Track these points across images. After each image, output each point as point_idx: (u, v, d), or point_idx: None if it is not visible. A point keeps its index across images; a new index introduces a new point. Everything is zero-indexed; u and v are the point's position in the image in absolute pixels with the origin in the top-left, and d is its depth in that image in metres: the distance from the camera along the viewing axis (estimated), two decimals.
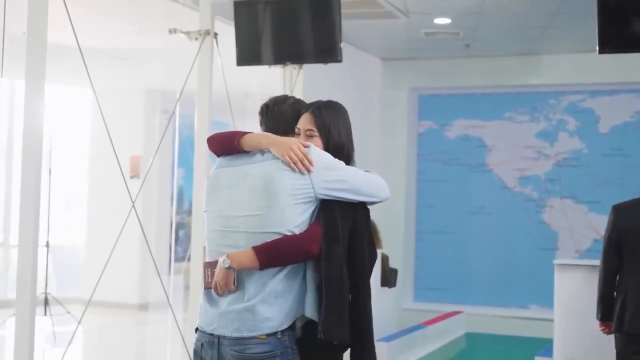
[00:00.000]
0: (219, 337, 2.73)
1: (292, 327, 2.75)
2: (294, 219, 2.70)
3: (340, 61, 5.95)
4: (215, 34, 5.99)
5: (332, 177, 2.74)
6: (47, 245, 9.23)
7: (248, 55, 6.18)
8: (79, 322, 5.33)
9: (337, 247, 2.77)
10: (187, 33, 5.98)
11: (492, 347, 8.48)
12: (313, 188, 2.71)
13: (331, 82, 8.15)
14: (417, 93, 10.08)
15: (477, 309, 9.39)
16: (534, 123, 9.53)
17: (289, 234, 2.70)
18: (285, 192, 2.69)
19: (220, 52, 5.99)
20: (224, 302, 2.76)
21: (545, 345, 6.25)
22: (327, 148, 2.89)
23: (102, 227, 6.51)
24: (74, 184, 11.28)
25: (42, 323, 8.68)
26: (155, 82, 10.35)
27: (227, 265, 2.71)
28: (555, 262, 5.47)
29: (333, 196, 2.74)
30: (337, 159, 2.80)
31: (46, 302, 8.98)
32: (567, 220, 9.29)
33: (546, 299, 5.70)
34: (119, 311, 10.19)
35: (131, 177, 10.01)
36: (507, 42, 8.87)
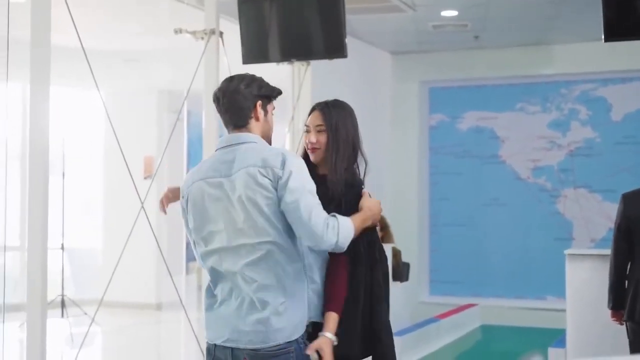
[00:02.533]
0: (232, 348, 2.79)
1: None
2: None
3: (345, 56, 5.94)
4: (221, 33, 6.01)
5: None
6: (63, 248, 9.29)
7: (254, 53, 6.18)
8: (92, 320, 5.36)
9: (359, 268, 2.93)
10: (193, 33, 5.99)
11: (508, 339, 8.46)
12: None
13: (340, 78, 8.14)
14: (427, 86, 10.05)
15: (493, 301, 9.36)
16: (546, 113, 9.49)
17: None
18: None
19: (226, 51, 6.00)
20: (235, 315, 2.79)
21: (559, 335, 6.22)
22: (334, 143, 3.00)
23: (118, 228, 6.53)
24: (90, 187, 11.34)
25: (60, 325, 8.75)
26: (165, 83, 10.38)
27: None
28: (567, 252, 5.45)
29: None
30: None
31: (63, 304, 9.03)
32: (582, 209, 9.24)
33: (562, 290, 5.67)
34: (137, 311, 10.24)
35: (145, 178, 10.04)
36: (516, 32, 8.83)
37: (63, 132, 9.48)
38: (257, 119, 2.87)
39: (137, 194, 5.33)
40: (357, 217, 2.88)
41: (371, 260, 2.98)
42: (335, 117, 3.04)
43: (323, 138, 3.02)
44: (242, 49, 6.17)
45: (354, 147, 3.05)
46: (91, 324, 5.33)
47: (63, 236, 9.29)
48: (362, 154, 3.09)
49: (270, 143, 2.92)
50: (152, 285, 10.23)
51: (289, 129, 7.31)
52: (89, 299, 9.16)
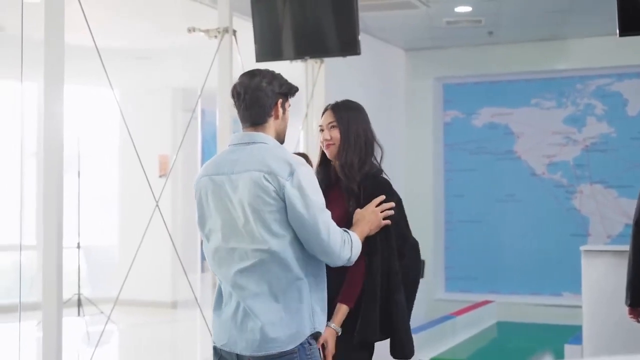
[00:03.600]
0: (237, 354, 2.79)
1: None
2: None
3: (359, 54, 5.93)
4: (234, 31, 6.02)
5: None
6: (79, 246, 9.33)
7: (267, 50, 6.18)
8: (108, 319, 5.38)
9: (376, 258, 3.02)
10: (206, 31, 6.01)
11: (524, 336, 8.42)
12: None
13: (354, 75, 8.13)
14: (442, 82, 10.02)
15: (509, 297, 9.33)
16: (561, 108, 9.44)
17: None
18: None
19: (239, 49, 6.01)
20: (232, 320, 2.79)
21: (576, 332, 6.19)
22: (346, 138, 3.14)
23: (134, 227, 6.56)
24: (105, 185, 11.38)
25: (76, 324, 8.79)
26: (179, 81, 10.40)
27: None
28: (582, 248, 5.42)
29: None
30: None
31: (79, 303, 9.07)
32: (598, 205, 9.19)
33: (579, 286, 5.63)
34: (153, 310, 10.27)
35: (160, 176, 10.07)
36: (530, 27, 8.79)
37: (78, 130, 9.52)
38: (277, 117, 2.86)
39: (152, 192, 5.35)
40: (358, 230, 2.96)
41: (388, 250, 3.06)
42: (346, 114, 3.18)
43: (336, 134, 3.15)
44: (256, 47, 6.17)
45: (366, 140, 3.17)
46: (107, 322, 5.35)
47: (79, 235, 9.33)
48: (378, 144, 3.22)
49: (283, 141, 2.91)
50: (167, 284, 10.27)
51: (302, 126, 7.31)
52: (105, 297, 9.20)
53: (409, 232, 3.22)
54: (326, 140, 3.15)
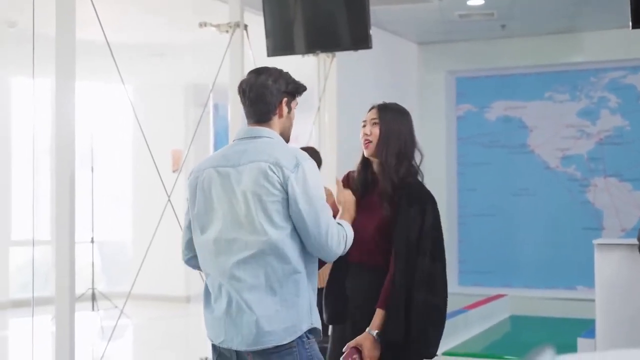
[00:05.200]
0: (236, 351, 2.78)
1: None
2: None
3: (370, 47, 5.92)
4: (246, 26, 6.02)
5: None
6: (93, 241, 9.37)
7: (279, 45, 6.19)
8: (121, 312, 5.40)
9: (401, 260, 3.05)
10: (218, 26, 6.01)
11: (537, 330, 8.39)
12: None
13: (366, 69, 8.12)
14: (454, 76, 9.99)
15: (522, 291, 9.30)
16: (575, 102, 9.39)
17: None
18: None
19: (251, 44, 6.01)
20: (226, 315, 2.77)
21: (589, 326, 6.17)
22: (385, 137, 3.17)
23: (147, 221, 6.58)
24: (119, 180, 11.43)
25: (91, 318, 8.84)
26: (191, 76, 10.43)
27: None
28: (595, 241, 5.39)
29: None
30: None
31: (93, 298, 9.12)
32: (612, 198, 9.15)
33: (593, 279, 5.60)
34: (167, 304, 10.32)
35: (174, 171, 10.09)
36: (543, 20, 8.74)
37: (92, 126, 9.56)
38: (280, 116, 2.87)
39: (164, 187, 5.37)
40: (347, 218, 3.03)
41: (418, 250, 3.09)
42: (390, 114, 3.22)
43: (376, 130, 3.19)
44: (267, 42, 6.17)
45: (406, 143, 3.21)
46: (120, 316, 5.38)
47: (93, 230, 9.38)
48: (419, 150, 3.27)
49: (288, 140, 2.93)
50: (181, 278, 10.30)
51: (314, 120, 7.31)
52: (119, 292, 9.26)
53: (437, 252, 3.21)
54: (365, 135, 3.20)
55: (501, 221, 9.61)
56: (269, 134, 2.84)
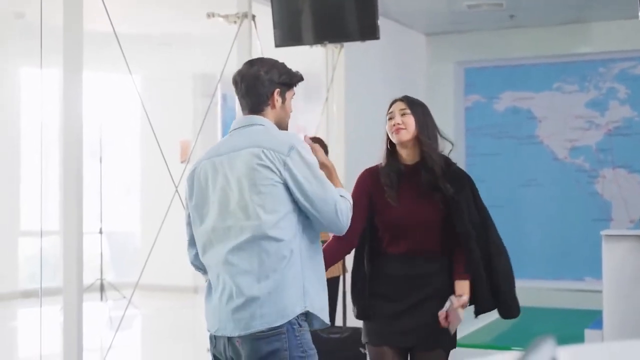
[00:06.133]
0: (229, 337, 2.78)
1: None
2: None
3: (378, 38, 5.91)
4: (254, 16, 6.02)
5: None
6: (101, 232, 9.40)
7: (287, 36, 6.18)
8: (129, 302, 5.42)
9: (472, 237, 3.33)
10: (225, 16, 6.01)
11: (545, 321, 8.39)
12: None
13: (374, 60, 8.09)
14: (463, 67, 9.97)
15: (530, 282, 9.29)
16: (584, 92, 9.35)
17: None
18: None
19: (259, 34, 6.00)
20: (219, 303, 2.78)
21: (597, 317, 6.16)
22: (423, 124, 3.36)
23: (156, 212, 6.61)
24: (128, 171, 11.45)
25: (99, 308, 8.87)
26: (200, 67, 10.43)
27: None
28: (603, 232, 5.37)
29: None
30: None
31: (102, 288, 9.15)
32: (621, 190, 9.12)
33: (601, 271, 5.60)
34: (175, 294, 10.34)
35: (182, 162, 10.10)
36: (552, 11, 8.71)
37: (100, 117, 9.58)
38: (273, 107, 2.87)
39: (172, 178, 5.37)
40: (338, 183, 2.99)
41: (483, 226, 3.37)
42: (418, 106, 3.41)
43: (408, 120, 3.31)
44: (275, 32, 6.17)
45: (435, 134, 3.43)
46: (127, 306, 5.39)
47: (101, 220, 9.40)
48: (445, 138, 3.52)
49: (286, 129, 2.94)
50: (189, 269, 10.26)
51: (322, 111, 7.31)
52: (128, 282, 9.28)
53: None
54: (397, 124, 3.27)
55: (509, 212, 9.59)
56: (262, 121, 2.85)
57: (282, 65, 2.92)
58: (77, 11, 4.37)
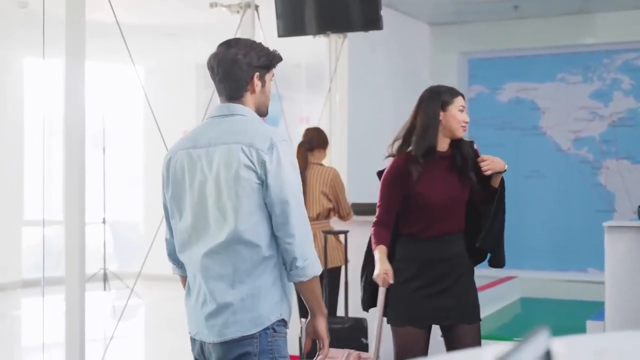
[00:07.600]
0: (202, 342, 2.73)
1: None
2: None
3: (381, 29, 5.90)
4: (257, 6, 6.00)
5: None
6: (104, 222, 9.41)
7: (290, 26, 6.17)
8: (131, 292, 5.43)
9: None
10: (228, 6, 6.00)
11: (547, 312, 8.40)
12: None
13: (377, 51, 8.08)
14: (466, 57, 9.95)
15: (533, 273, 9.29)
16: (587, 83, 9.34)
17: None
18: None
19: (262, 25, 5.99)
20: (194, 307, 2.71)
21: (599, 308, 6.16)
22: None
23: (159, 202, 6.59)
24: (131, 161, 11.46)
25: (103, 298, 8.89)
26: (203, 57, 10.40)
27: None
28: (605, 224, 5.37)
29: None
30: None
31: (105, 278, 9.17)
32: (624, 181, 9.11)
33: (604, 262, 5.60)
34: (179, 284, 10.32)
35: None
36: (556, 1, 8.69)
37: (103, 107, 9.58)
38: (253, 92, 2.68)
39: None
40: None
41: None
42: None
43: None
44: (278, 22, 6.16)
45: None
46: (130, 295, 5.40)
47: (104, 210, 9.41)
48: None
49: (265, 114, 2.76)
50: None
51: (325, 101, 7.30)
52: (131, 272, 9.29)
53: None
54: (466, 122, 3.53)
55: (512, 203, 9.44)
56: (242, 111, 2.66)
57: (260, 45, 2.71)
58: (80, 1, 4.36)
